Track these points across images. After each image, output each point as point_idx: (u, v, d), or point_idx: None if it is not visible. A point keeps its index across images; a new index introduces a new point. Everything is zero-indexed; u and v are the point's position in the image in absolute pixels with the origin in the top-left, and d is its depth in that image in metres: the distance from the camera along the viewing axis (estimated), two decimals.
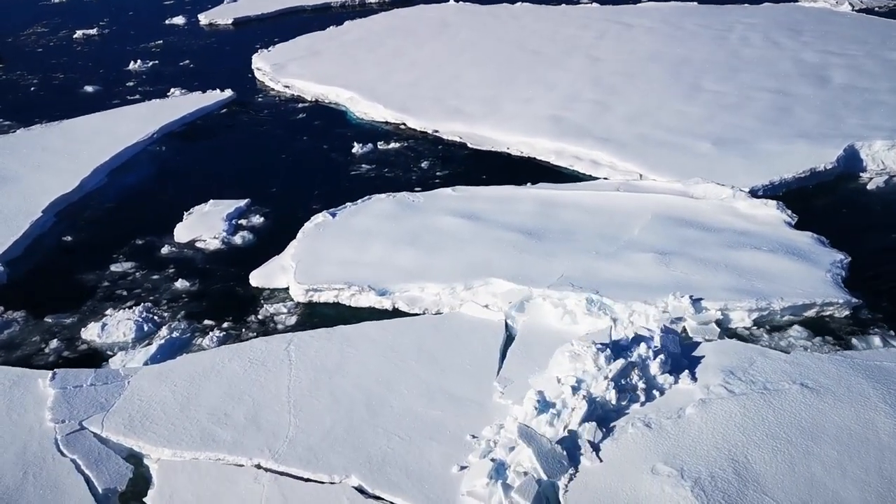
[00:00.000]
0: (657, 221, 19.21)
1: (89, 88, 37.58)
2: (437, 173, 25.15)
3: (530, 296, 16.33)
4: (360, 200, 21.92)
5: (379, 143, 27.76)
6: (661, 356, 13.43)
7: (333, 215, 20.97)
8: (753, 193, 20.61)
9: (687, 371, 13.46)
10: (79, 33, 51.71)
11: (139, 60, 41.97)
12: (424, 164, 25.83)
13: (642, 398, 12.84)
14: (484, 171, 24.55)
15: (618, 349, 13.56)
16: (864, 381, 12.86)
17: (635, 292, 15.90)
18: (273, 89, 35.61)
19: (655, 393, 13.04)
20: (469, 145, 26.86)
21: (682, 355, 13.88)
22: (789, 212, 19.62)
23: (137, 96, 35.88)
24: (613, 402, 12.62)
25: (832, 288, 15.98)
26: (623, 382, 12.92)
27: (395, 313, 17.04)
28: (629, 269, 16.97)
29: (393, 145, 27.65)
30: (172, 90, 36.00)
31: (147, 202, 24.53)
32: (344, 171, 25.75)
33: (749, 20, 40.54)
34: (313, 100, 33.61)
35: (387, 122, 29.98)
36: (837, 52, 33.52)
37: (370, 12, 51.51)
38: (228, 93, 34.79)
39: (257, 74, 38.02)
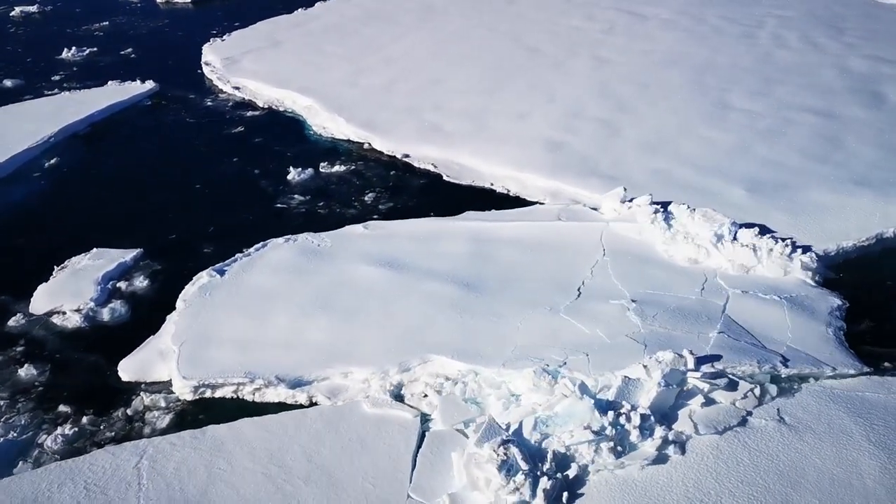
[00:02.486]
0: (614, 258, 16.88)
1: (8, 83, 33.05)
2: (381, 207, 21.12)
3: (477, 392, 13.34)
4: (252, 249, 18.00)
5: (322, 165, 23.59)
6: (650, 418, 12.06)
7: (221, 273, 17.04)
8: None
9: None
10: (17, 10, 47.07)
11: (74, 48, 37.37)
12: (369, 197, 21.70)
13: (610, 445, 11.69)
14: (440, 207, 20.32)
15: (600, 405, 12.19)
16: (846, 416, 12.08)
17: (610, 358, 13.50)
18: (221, 91, 31.07)
19: (624, 439, 11.83)
20: (445, 178, 22.48)
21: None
22: (769, 238, 16.66)
23: (56, 91, 31.38)
24: (579, 456, 11.62)
25: (838, 351, 13.85)
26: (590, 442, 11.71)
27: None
28: (596, 325, 14.52)
29: (338, 169, 23.47)
30: (110, 84, 31.50)
31: (16, 243, 20.22)
32: (268, 206, 21.49)
33: (781, 13, 35.98)
34: (265, 106, 29.14)
35: (349, 141, 25.60)
36: (890, 58, 29.06)
37: None
38: (150, 85, 30.63)
39: (206, 71, 33.46)
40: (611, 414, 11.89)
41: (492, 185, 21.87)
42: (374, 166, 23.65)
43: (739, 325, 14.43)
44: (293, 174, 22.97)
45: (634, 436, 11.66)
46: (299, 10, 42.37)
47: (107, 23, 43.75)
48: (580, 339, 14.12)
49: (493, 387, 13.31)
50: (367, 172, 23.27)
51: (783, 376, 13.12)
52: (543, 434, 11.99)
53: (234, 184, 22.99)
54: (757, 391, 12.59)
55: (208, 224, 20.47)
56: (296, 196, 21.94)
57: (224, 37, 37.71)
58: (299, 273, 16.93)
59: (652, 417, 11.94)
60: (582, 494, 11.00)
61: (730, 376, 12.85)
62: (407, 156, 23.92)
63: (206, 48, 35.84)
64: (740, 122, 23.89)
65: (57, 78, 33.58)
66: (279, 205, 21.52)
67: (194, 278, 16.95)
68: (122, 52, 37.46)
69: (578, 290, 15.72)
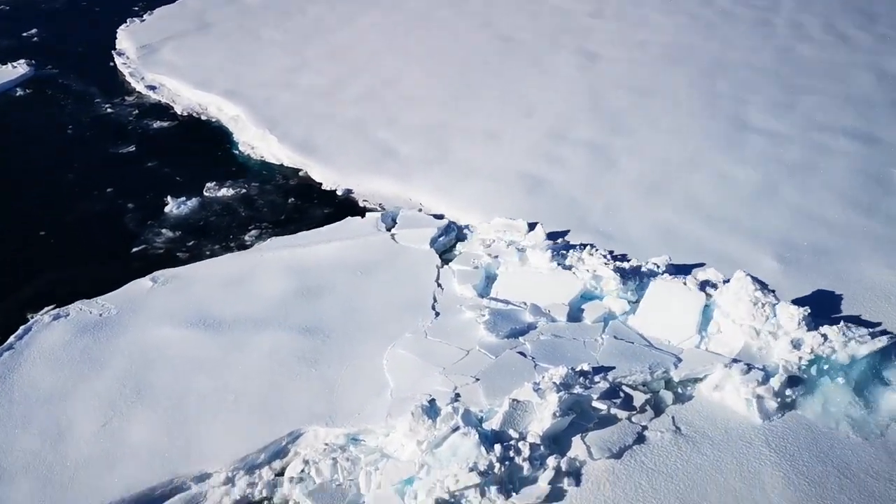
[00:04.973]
0: (460, 265, 15.50)
1: None
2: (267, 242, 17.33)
3: (351, 468, 11.33)
4: (13, 338, 14.08)
5: (208, 187, 19.82)
6: (539, 447, 11.14)
7: None
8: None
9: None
10: None
11: None
12: (252, 234, 18.03)
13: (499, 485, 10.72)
14: None
15: (485, 437, 11.14)
16: (743, 418, 11.50)
17: (502, 379, 12.29)
18: (132, 91, 26.40)
19: (514, 474, 10.85)
20: (402, 215, 18.27)
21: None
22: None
23: None
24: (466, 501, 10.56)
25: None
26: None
27: None
28: (471, 343, 13.20)
29: (226, 193, 19.72)
30: None
31: None
32: (122, 251, 17.47)
33: None
34: (185, 114, 24.58)
35: (281, 166, 21.23)
36: None
37: None
38: (22, 70, 26.44)
39: (118, 63, 28.66)
40: (498, 448, 10.90)
41: None
42: (271, 191, 19.88)
43: (626, 326, 13.55)
44: (171, 206, 19.02)
45: (525, 469, 10.81)
46: None
47: None
48: (461, 362, 12.76)
49: (371, 453, 11.46)
50: (260, 199, 19.50)
51: (676, 381, 12.37)
52: (424, 484, 10.73)
53: (94, 225, 18.65)
54: (652, 401, 11.94)
55: (33, 292, 16.10)
56: (163, 233, 18.07)
57: (144, 16, 32.75)
58: (87, 358, 13.41)
59: (542, 446, 11.11)
60: None
61: (624, 389, 12.11)
62: (350, 191, 19.67)
63: (121, 32, 31.02)
64: (763, 149, 19.84)
65: None
66: (136, 248, 17.57)
67: None
68: (25, 34, 32.46)
69: (433, 307, 14.30)
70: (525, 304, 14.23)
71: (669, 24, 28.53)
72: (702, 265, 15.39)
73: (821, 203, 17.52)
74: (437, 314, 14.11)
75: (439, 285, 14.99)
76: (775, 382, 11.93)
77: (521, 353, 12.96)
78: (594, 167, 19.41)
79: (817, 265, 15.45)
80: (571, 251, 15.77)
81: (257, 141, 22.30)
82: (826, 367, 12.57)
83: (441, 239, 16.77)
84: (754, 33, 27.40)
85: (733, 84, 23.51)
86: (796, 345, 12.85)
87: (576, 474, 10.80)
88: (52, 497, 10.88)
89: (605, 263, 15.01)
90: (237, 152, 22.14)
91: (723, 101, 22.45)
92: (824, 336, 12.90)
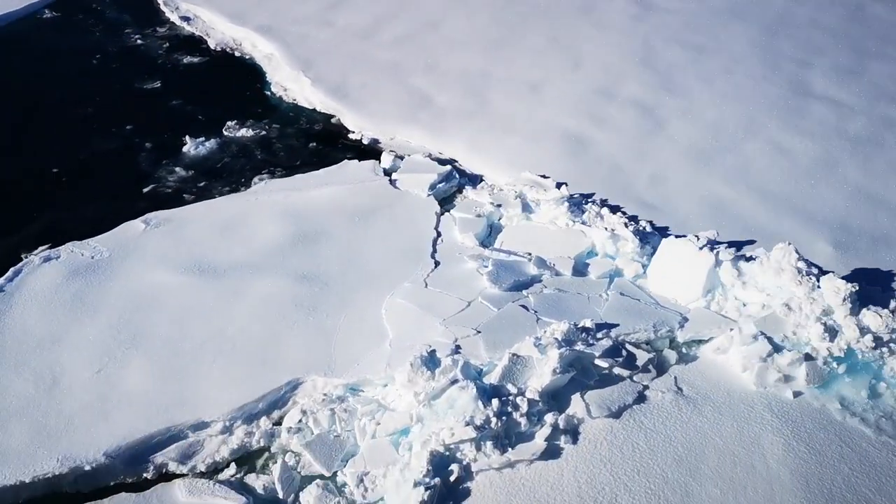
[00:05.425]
0: (460, 212, 15.28)
1: None
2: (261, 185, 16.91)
3: (348, 418, 11.06)
4: (3, 279, 13.62)
5: (229, 126, 19.28)
6: (538, 403, 10.85)
7: None
8: None
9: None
10: None
11: None
12: (263, 177, 17.41)
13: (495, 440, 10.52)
14: None
15: (483, 391, 10.85)
16: (745, 383, 11.21)
17: (503, 333, 12.05)
18: (165, 22, 25.65)
19: (511, 429, 10.63)
20: (407, 159, 17.52)
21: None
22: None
23: None
24: (461, 454, 10.32)
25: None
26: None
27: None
28: (473, 294, 12.93)
29: (245, 134, 19.13)
30: None
31: None
32: (133, 193, 16.89)
33: None
34: (218, 49, 23.83)
35: (314, 110, 20.44)
36: None
37: None
38: None
39: None
40: (496, 402, 10.68)
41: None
42: (293, 134, 19.26)
43: (633, 284, 13.31)
44: (190, 146, 18.45)
45: (522, 425, 10.62)
46: None
47: None
48: (462, 314, 12.46)
49: (368, 403, 11.19)
50: (279, 143, 18.86)
51: (681, 341, 12.18)
52: (419, 436, 10.60)
53: (108, 163, 18.04)
54: (655, 361, 11.67)
55: (36, 230, 15.63)
56: (176, 172, 17.56)
57: None
58: (79, 300, 13.05)
59: (540, 402, 10.88)
60: (457, 496, 9.80)
61: (627, 347, 11.82)
62: (377, 141, 18.87)
63: None
64: (825, 119, 18.59)
65: None
66: (146, 188, 17.09)
67: None
68: None
69: (433, 256, 13.99)
70: (529, 255, 13.78)
71: None
72: (751, 243, 14.51)
73: (884, 184, 16.37)
74: (437, 263, 13.76)
75: (439, 233, 14.65)
76: (784, 360, 11.38)
77: (524, 307, 12.65)
78: (641, 129, 18.35)
79: (874, 252, 14.43)
80: (590, 205, 15.13)
81: (290, 82, 21.50)
82: (857, 364, 11.81)
83: (441, 185, 16.26)
84: None
85: (797, 44, 22.04)
86: (831, 333, 12.02)
87: (573, 432, 10.54)
88: (46, 444, 10.60)
89: (626, 224, 14.34)
90: (269, 94, 21.38)
91: (784, 63, 21.05)
92: (864, 330, 12.06)
